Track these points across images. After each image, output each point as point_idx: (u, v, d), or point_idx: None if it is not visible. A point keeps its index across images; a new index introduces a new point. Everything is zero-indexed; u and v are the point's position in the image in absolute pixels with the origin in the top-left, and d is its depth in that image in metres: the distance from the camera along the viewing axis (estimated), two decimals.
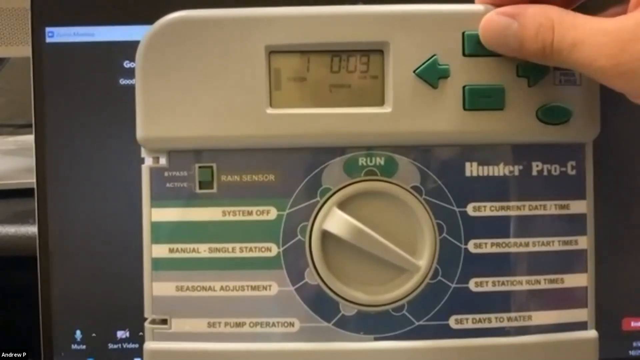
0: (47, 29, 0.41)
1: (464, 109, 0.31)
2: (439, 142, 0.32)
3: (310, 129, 0.31)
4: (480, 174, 0.32)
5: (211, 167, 0.32)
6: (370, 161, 0.32)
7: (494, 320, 0.33)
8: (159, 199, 0.32)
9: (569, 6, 0.32)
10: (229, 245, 0.32)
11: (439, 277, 0.32)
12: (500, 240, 0.32)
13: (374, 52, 0.32)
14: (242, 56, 0.31)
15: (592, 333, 0.33)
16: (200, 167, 0.32)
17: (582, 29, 0.27)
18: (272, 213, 0.32)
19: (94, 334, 0.41)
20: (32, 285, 0.41)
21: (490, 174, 0.32)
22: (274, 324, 0.33)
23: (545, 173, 0.33)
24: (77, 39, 0.41)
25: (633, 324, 0.41)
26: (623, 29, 0.26)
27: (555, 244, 0.33)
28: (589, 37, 0.27)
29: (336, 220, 0.32)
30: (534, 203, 0.33)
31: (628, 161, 0.41)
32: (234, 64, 0.31)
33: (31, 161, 0.41)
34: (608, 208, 0.38)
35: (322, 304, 0.32)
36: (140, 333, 0.40)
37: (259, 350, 0.32)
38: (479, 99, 0.31)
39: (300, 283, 0.32)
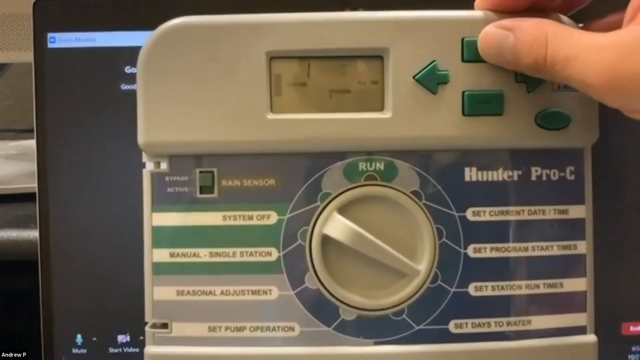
0: (49, 35, 0.41)
1: (463, 114, 0.31)
2: (439, 147, 0.32)
3: (310, 134, 0.32)
4: (480, 179, 0.33)
5: (212, 171, 0.32)
6: (370, 166, 0.32)
7: (494, 324, 0.33)
8: (160, 204, 0.33)
9: (568, 11, 0.32)
10: (230, 250, 0.32)
11: (439, 282, 0.33)
12: (499, 245, 0.33)
13: (374, 58, 0.32)
14: (243, 62, 0.31)
15: (591, 337, 0.33)
16: (201, 171, 0.32)
17: (576, 44, 0.27)
18: (272, 218, 0.32)
19: (94, 338, 0.41)
20: (33, 290, 0.41)
21: (490, 179, 0.33)
22: (274, 328, 0.33)
23: (544, 178, 0.33)
24: (78, 44, 0.41)
25: (632, 328, 0.41)
26: (617, 44, 0.26)
27: (554, 249, 0.33)
28: (582, 52, 0.27)
29: (336, 225, 0.32)
30: (533, 208, 0.33)
31: (627, 166, 0.41)
32: (235, 69, 0.31)
33: (33, 166, 0.41)
34: (607, 213, 0.38)
35: (322, 308, 0.32)
36: (141, 337, 0.40)
37: (259, 355, 0.32)
38: (478, 105, 0.31)
39: (301, 287, 0.33)
